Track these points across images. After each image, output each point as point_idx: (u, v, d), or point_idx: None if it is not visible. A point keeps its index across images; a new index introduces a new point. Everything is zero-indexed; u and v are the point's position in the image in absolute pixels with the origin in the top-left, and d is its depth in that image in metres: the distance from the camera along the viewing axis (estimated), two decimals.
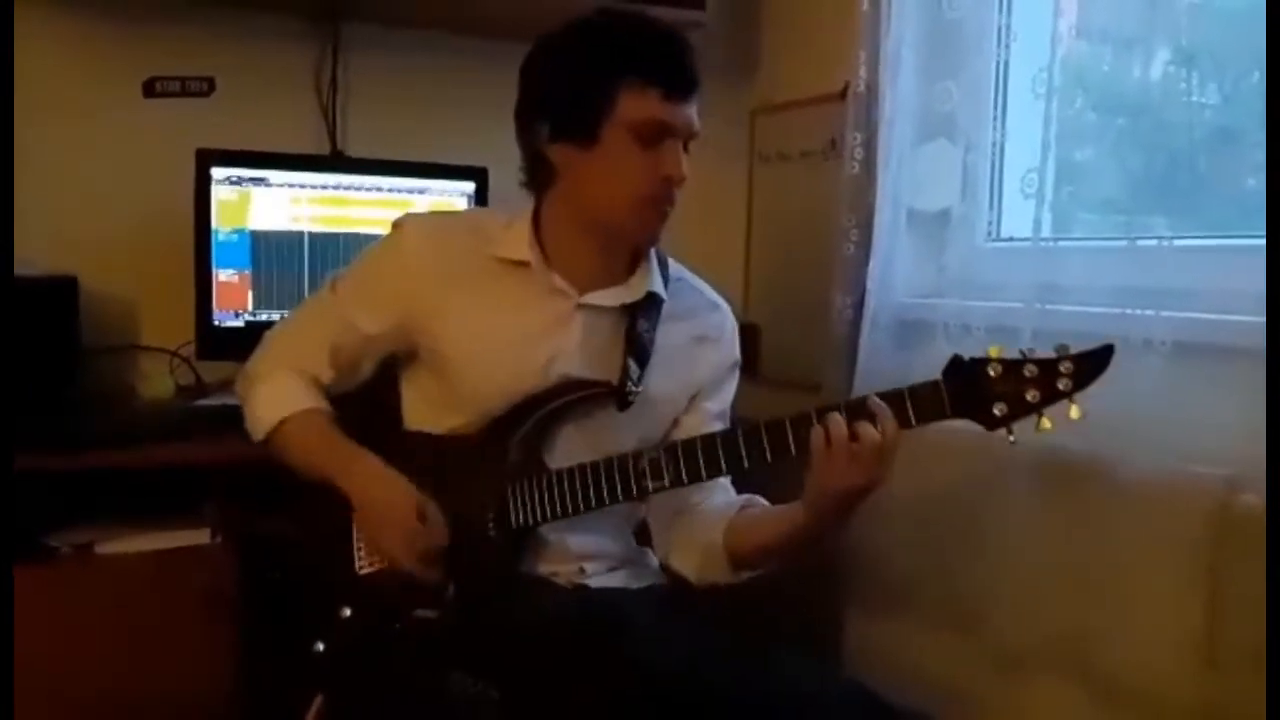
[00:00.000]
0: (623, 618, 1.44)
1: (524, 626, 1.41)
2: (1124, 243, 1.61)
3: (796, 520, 1.41)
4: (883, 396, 1.34)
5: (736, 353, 1.65)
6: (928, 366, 1.90)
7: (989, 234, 2.00)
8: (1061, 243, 1.75)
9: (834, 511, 1.37)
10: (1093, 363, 1.30)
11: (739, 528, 1.50)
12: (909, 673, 1.73)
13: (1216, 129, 1.65)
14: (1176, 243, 1.54)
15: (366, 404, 1.62)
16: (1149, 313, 1.53)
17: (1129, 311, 1.55)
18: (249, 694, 1.79)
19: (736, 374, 1.65)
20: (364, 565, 1.49)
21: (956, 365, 1.35)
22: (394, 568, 1.45)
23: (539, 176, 1.51)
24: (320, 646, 1.46)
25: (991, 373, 1.32)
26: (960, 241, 1.98)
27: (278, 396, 1.57)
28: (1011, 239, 1.97)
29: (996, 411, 1.32)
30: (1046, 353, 1.31)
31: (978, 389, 1.33)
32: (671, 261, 1.62)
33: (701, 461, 1.40)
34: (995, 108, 1.92)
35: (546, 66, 1.47)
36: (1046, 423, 1.32)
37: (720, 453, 1.39)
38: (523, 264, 1.50)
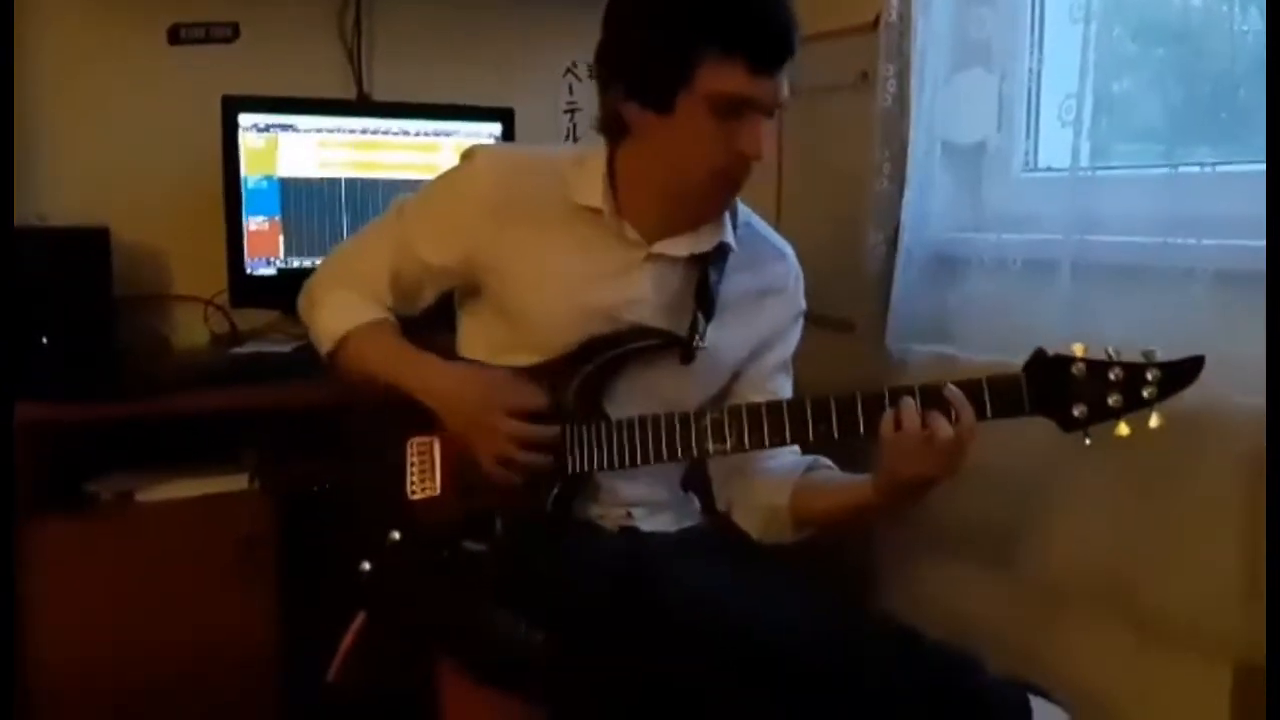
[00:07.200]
0: (668, 564, 1.43)
1: (570, 570, 1.40)
2: (1164, 171, 1.57)
3: (865, 495, 1.39)
4: (959, 385, 1.30)
5: (801, 302, 1.61)
6: (964, 302, 1.90)
7: (1026, 164, 1.96)
8: (1100, 172, 1.71)
9: (905, 495, 1.35)
10: (1180, 373, 1.26)
11: (805, 493, 1.48)
12: (947, 612, 1.73)
13: (1260, 56, 1.60)
14: (1219, 169, 1.50)
15: (420, 327, 1.60)
16: (1190, 241, 1.50)
17: (1169, 240, 1.52)
18: (289, 638, 1.82)
19: (801, 323, 1.62)
20: (415, 491, 1.49)
21: (1039, 359, 1.30)
22: (499, 459, 1.43)
23: (613, 128, 1.45)
24: (366, 566, 1.46)
25: (1075, 372, 1.28)
26: (996, 173, 1.94)
27: (341, 311, 1.55)
28: (1049, 169, 1.93)
29: (1076, 413, 1.29)
30: (1134, 356, 1.27)
31: (1060, 387, 1.29)
32: (740, 205, 1.57)
33: (766, 430, 1.38)
34: (1032, 34, 1.87)
35: (624, 21, 1.38)
36: (1124, 428, 1.28)
37: (786, 423, 1.37)
38: (595, 210, 1.46)
